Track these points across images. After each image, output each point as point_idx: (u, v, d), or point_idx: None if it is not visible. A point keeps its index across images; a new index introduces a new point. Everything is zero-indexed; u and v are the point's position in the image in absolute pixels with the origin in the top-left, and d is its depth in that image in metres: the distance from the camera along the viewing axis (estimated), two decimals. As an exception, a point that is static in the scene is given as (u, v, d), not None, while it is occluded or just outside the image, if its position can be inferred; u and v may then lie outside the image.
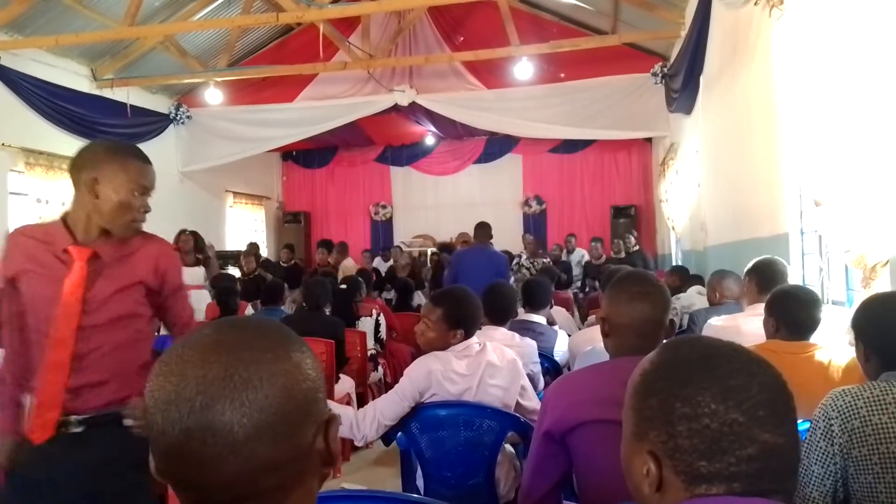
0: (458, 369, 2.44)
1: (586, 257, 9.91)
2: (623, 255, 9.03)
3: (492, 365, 2.49)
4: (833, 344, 2.46)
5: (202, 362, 0.73)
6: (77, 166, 1.93)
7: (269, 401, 0.72)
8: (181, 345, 0.76)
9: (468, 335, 2.51)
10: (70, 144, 8.45)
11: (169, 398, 0.72)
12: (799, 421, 1.94)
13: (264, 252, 11.34)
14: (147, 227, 2.03)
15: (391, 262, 10.31)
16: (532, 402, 2.59)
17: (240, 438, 0.70)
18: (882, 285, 2.78)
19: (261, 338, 0.76)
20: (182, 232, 6.94)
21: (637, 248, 9.25)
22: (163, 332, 2.99)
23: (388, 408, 2.43)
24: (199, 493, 0.73)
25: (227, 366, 0.72)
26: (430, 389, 2.43)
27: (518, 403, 2.55)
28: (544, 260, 8.89)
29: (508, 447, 2.58)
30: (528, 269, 8.58)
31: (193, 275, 6.67)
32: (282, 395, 0.73)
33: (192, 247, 6.86)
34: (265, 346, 0.75)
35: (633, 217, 11.77)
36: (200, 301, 6.76)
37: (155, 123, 10.03)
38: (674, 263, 8.95)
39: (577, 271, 9.68)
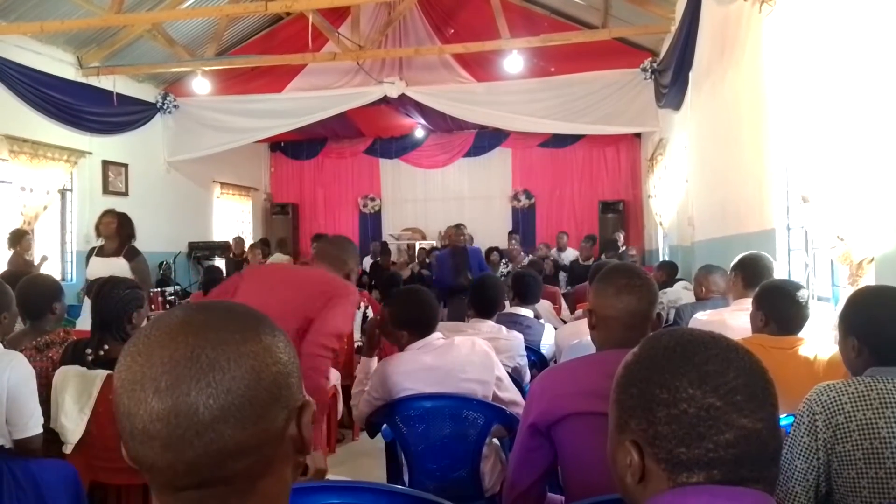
0: (423, 363, 2.49)
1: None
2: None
3: (462, 360, 2.50)
4: (818, 339, 2.47)
5: (169, 342, 0.71)
6: (351, 255, 2.91)
7: (237, 383, 0.70)
8: (150, 326, 0.75)
9: (415, 337, 2.55)
10: (55, 132, 8.37)
11: (135, 378, 0.71)
12: (784, 415, 1.96)
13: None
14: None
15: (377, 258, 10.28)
16: (509, 392, 2.59)
17: (205, 420, 0.69)
18: (868, 282, 2.79)
19: (230, 320, 0.75)
20: (106, 213, 5.26)
21: (624, 247, 9.23)
22: None
23: (367, 402, 2.54)
24: (164, 476, 0.71)
25: (193, 346, 0.71)
26: (388, 395, 2.49)
27: (495, 395, 2.55)
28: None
29: (494, 440, 2.58)
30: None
31: (116, 267, 4.77)
32: (250, 377, 0.71)
33: (115, 231, 5.08)
34: (234, 327, 0.74)
35: (622, 212, 11.75)
36: None
37: (141, 112, 9.89)
38: (661, 258, 8.98)
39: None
